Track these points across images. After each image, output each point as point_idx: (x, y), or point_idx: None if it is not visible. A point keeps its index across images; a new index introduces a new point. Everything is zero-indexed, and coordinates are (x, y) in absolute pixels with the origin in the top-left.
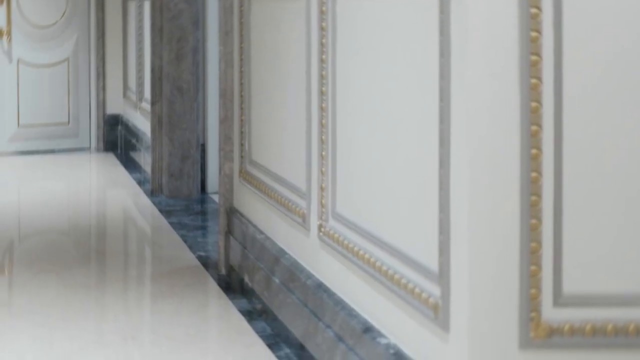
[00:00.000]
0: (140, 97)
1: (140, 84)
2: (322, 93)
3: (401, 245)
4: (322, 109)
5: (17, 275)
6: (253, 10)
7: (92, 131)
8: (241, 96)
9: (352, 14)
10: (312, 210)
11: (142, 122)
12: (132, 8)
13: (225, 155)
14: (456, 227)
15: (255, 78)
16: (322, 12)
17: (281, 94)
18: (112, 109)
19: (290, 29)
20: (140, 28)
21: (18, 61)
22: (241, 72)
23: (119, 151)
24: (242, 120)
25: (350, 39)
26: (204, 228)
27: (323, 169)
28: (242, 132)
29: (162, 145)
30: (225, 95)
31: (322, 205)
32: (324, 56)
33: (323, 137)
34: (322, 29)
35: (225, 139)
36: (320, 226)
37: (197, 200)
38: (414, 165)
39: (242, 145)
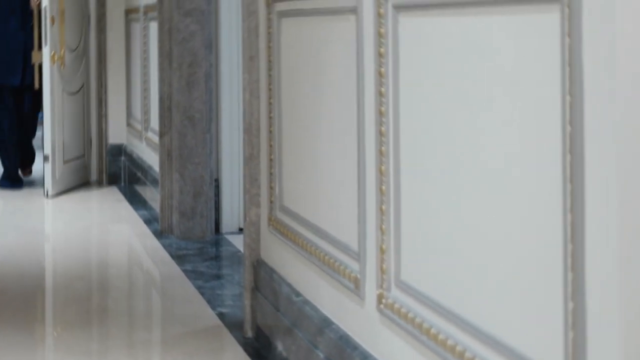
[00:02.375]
0: (146, 127)
1: (146, 113)
2: (380, 134)
3: (494, 331)
4: (380, 153)
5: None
6: (284, 32)
7: (92, 162)
8: (270, 131)
9: (424, 34)
10: (368, 276)
11: (148, 154)
12: (137, 30)
13: (250, 199)
14: (597, 320)
15: (287, 111)
16: (379, 35)
17: (322, 131)
18: (114, 138)
19: (334, 54)
20: (145, 52)
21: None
22: (269, 104)
23: (122, 184)
24: (270, 159)
25: (420, 67)
26: (222, 277)
27: (383, 227)
28: (271, 174)
29: (172, 181)
30: (250, 130)
31: (381, 270)
32: (382, 89)
33: (382, 187)
34: (379, 55)
35: (251, 180)
36: (380, 296)
37: (211, 243)
38: (524, 233)
39: (271, 188)
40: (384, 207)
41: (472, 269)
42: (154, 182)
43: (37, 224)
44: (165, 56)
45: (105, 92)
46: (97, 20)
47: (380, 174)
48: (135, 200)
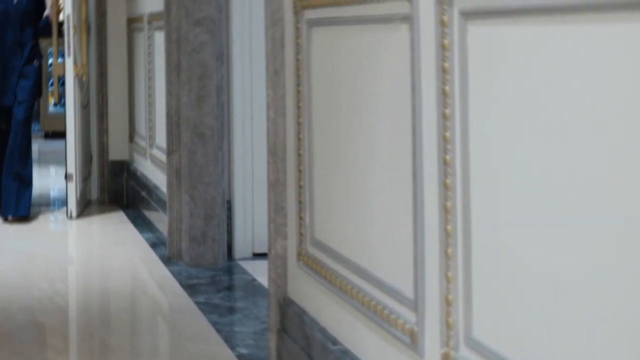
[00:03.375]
0: (151, 144)
1: (151, 128)
2: (444, 163)
3: None
4: (445, 186)
5: None
6: (315, 43)
7: (93, 180)
8: (298, 154)
9: (499, 46)
10: (429, 330)
11: (153, 172)
12: (140, 40)
13: (276, 229)
14: None
15: (320, 132)
16: (442, 47)
17: (364, 156)
18: (116, 154)
19: (379, 70)
20: (150, 63)
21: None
22: (298, 123)
23: (124, 203)
24: (300, 185)
25: (494, 84)
26: (239, 311)
27: (449, 274)
28: (300, 202)
29: (181, 203)
30: (274, 152)
31: (447, 325)
32: (446, 110)
33: (448, 226)
34: (443, 70)
35: (276, 208)
36: (445, 356)
37: (224, 270)
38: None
39: (300, 218)
40: (450, 250)
41: (565, 325)
42: (160, 202)
43: (46, 249)
44: (173, 68)
45: (107, 105)
46: (97, 30)
47: (445, 211)
48: (140, 222)
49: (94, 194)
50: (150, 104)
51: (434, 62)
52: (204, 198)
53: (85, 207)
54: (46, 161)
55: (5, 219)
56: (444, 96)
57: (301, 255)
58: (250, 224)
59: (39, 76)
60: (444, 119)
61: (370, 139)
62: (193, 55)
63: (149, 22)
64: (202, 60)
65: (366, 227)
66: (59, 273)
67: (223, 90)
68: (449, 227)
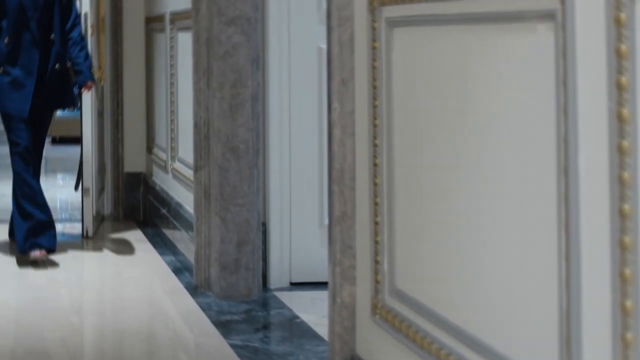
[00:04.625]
0: (173, 156)
1: (173, 139)
2: (620, 214)
3: None
4: (621, 246)
5: None
6: (398, 46)
7: (107, 193)
8: (374, 184)
9: None
10: None
11: (175, 188)
12: (161, 40)
13: (342, 273)
14: None
15: (405, 157)
16: (618, 54)
17: (473, 190)
18: (132, 166)
19: (500, 82)
20: (173, 67)
21: None
22: (374, 145)
23: (140, 219)
24: (376, 222)
25: None
26: (284, 357)
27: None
28: (376, 242)
29: (210, 226)
30: (341, 179)
31: None
32: (623, 142)
33: (627, 302)
34: (618, 86)
35: (343, 248)
36: None
37: (259, 303)
38: None
39: (376, 262)
40: (629, 335)
41: None
42: (184, 222)
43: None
44: (203, 74)
45: (122, 113)
46: (112, 30)
47: (622, 280)
48: (159, 242)
49: (107, 209)
50: (173, 113)
51: (604, 75)
52: (236, 221)
53: (100, 224)
54: (53, 170)
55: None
56: (619, 122)
57: (377, 308)
58: (287, 249)
59: (62, 82)
60: (620, 153)
61: (484, 169)
62: (226, 59)
63: (172, 22)
64: (235, 64)
65: (475, 281)
66: (72, 305)
67: (259, 99)
68: (628, 303)
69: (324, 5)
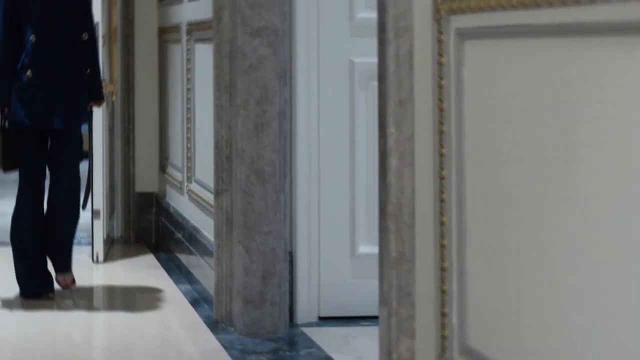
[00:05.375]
0: (190, 177)
1: (189, 159)
2: None
3: None
4: None
5: None
6: (471, 62)
7: (117, 215)
8: (441, 223)
9: None
10: None
11: (192, 212)
12: (177, 52)
13: (399, 324)
14: None
15: (480, 193)
16: None
17: (585, 238)
18: (143, 185)
19: (623, 109)
20: (190, 81)
21: None
22: (440, 178)
23: (153, 242)
24: (442, 267)
25: None
26: None
27: None
28: (442, 291)
29: (232, 255)
30: (399, 216)
31: None
32: None
33: None
34: None
35: (401, 295)
36: None
37: (286, 341)
38: None
39: (442, 314)
40: None
41: None
42: (201, 248)
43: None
44: (224, 89)
45: (133, 129)
46: (122, 41)
47: None
48: (174, 268)
49: (117, 231)
50: (189, 130)
51: None
52: (262, 251)
53: (109, 248)
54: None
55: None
56: None
57: None
58: (316, 281)
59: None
60: None
61: (589, 208)
62: (250, 73)
63: (189, 33)
64: (261, 79)
65: (569, 341)
66: (79, 342)
67: (286, 117)
68: None
69: (358, 15)
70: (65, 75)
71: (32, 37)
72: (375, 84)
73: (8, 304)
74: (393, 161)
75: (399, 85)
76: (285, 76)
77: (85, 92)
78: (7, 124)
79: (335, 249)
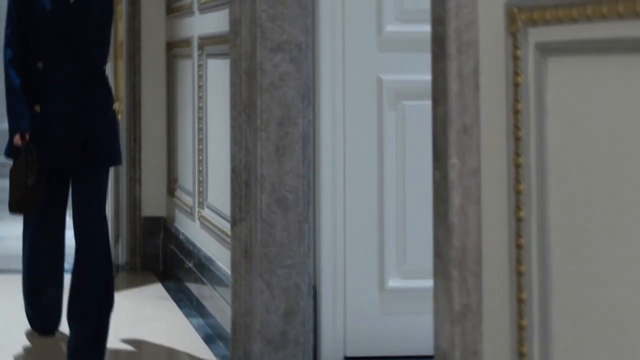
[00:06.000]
0: (201, 202)
1: (201, 182)
2: None
3: None
4: None
5: None
6: (556, 83)
7: (122, 240)
8: (518, 273)
9: None
10: None
11: (204, 240)
12: (187, 68)
13: None
14: None
15: (570, 238)
16: None
17: None
18: (150, 209)
19: None
20: (201, 99)
21: None
22: (517, 219)
23: (160, 269)
24: (520, 325)
25: None
26: None
27: None
28: (520, 353)
29: (251, 290)
30: (462, 262)
31: None
32: None
33: None
34: None
35: (466, 354)
36: None
37: None
38: None
39: None
40: None
41: None
42: (214, 279)
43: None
44: (242, 109)
45: (139, 149)
46: (128, 56)
47: None
48: (184, 300)
49: (122, 257)
50: (201, 152)
51: None
52: (284, 286)
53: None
54: None
55: None
56: None
57: None
58: (342, 318)
59: (112, 129)
60: None
61: None
62: (271, 91)
63: (200, 47)
64: (283, 98)
65: None
66: None
67: (309, 139)
68: None
69: (387, 28)
70: (78, 106)
71: (38, 64)
72: (406, 103)
73: (9, 336)
74: (455, 198)
75: (463, 109)
76: (309, 95)
77: (111, 118)
78: (32, 154)
79: (362, 283)
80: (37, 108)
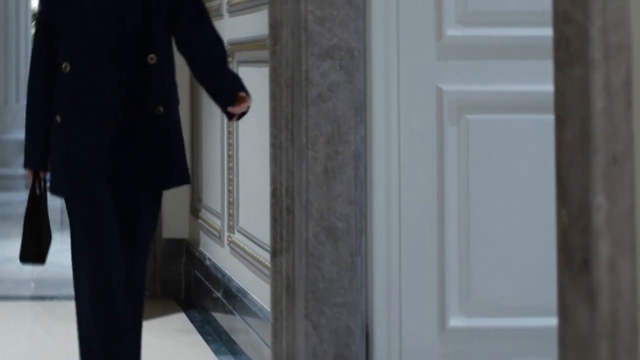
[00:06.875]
0: (232, 226)
1: (231, 204)
2: None
3: None
4: None
5: None
6: None
7: None
8: None
9: None
10: None
11: (234, 267)
12: None
13: None
14: None
15: None
16: None
17: None
18: (172, 231)
19: None
20: None
21: None
22: None
23: (183, 297)
24: None
25: None
26: None
27: None
28: None
29: (295, 333)
30: (612, 332)
31: None
32: None
33: None
34: None
35: None
36: None
37: None
38: None
39: None
40: None
41: None
42: (248, 312)
43: None
44: (284, 124)
45: None
46: None
47: None
48: (211, 334)
49: None
50: (231, 170)
51: None
52: (333, 328)
53: None
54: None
55: None
56: None
57: None
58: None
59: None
60: None
61: None
62: (319, 104)
63: (231, 53)
64: (332, 112)
65: None
66: None
67: (361, 158)
68: None
69: (448, 32)
70: (117, 116)
71: (65, 66)
72: (470, 117)
73: None
74: (603, 247)
75: (613, 134)
76: (361, 109)
77: (163, 140)
78: (43, 191)
79: (420, 323)
80: (59, 119)
